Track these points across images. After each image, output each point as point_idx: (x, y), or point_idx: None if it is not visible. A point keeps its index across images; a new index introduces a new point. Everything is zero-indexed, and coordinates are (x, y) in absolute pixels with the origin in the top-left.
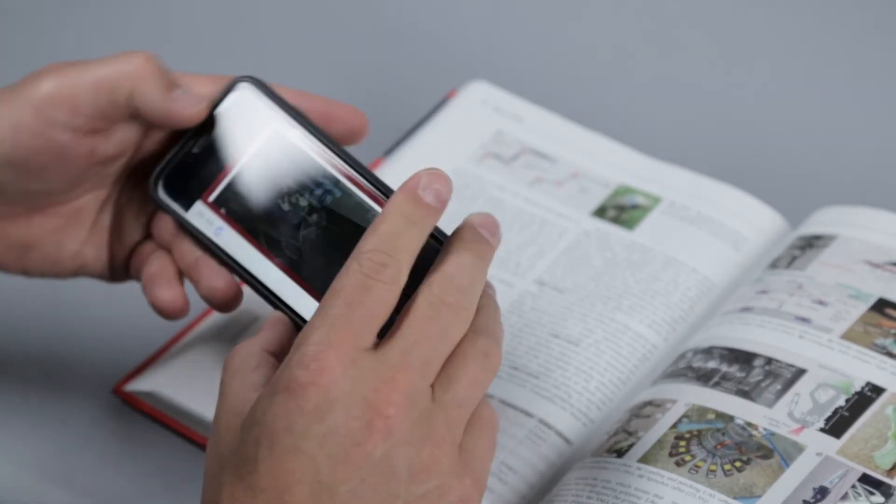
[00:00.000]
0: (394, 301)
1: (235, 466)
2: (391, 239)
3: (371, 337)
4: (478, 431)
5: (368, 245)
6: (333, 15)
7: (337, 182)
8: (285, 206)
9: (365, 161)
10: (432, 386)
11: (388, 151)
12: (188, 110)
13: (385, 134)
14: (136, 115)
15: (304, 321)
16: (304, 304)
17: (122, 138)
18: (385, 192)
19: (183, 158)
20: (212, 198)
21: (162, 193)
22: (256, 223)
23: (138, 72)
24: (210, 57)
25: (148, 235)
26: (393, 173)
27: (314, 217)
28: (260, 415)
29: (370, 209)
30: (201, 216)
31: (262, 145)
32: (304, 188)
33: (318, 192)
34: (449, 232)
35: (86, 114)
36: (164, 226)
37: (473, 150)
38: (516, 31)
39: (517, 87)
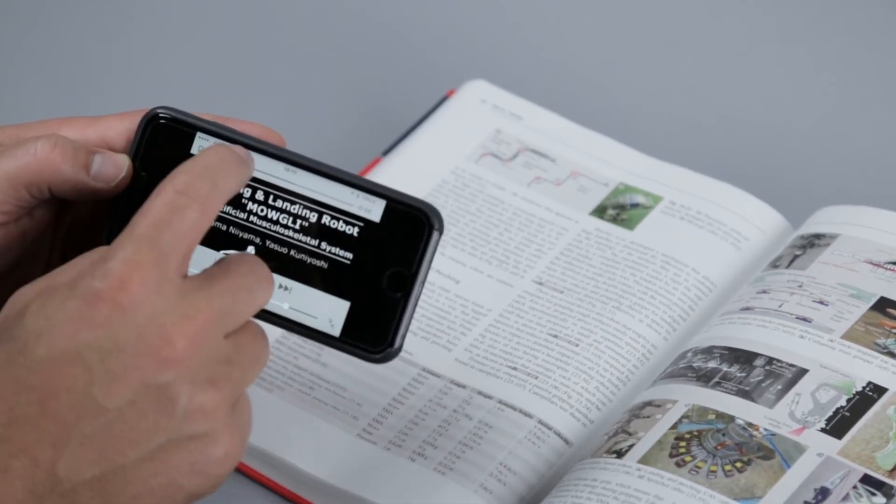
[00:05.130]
0: (205, 227)
1: (7, 345)
2: (211, 170)
3: (179, 261)
4: (247, 400)
5: (186, 168)
6: (332, 14)
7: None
8: (250, 216)
9: (364, 161)
10: (226, 337)
11: (387, 151)
12: (112, 182)
13: (383, 133)
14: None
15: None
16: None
17: (47, 210)
18: (336, 173)
19: (127, 211)
20: None
21: None
22: (228, 241)
23: (50, 162)
24: (209, 58)
25: None
26: (391, 173)
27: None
28: (50, 309)
29: (332, 193)
30: None
31: None
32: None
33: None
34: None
35: (4, 210)
36: None
37: (472, 149)
38: (515, 30)
39: (516, 85)
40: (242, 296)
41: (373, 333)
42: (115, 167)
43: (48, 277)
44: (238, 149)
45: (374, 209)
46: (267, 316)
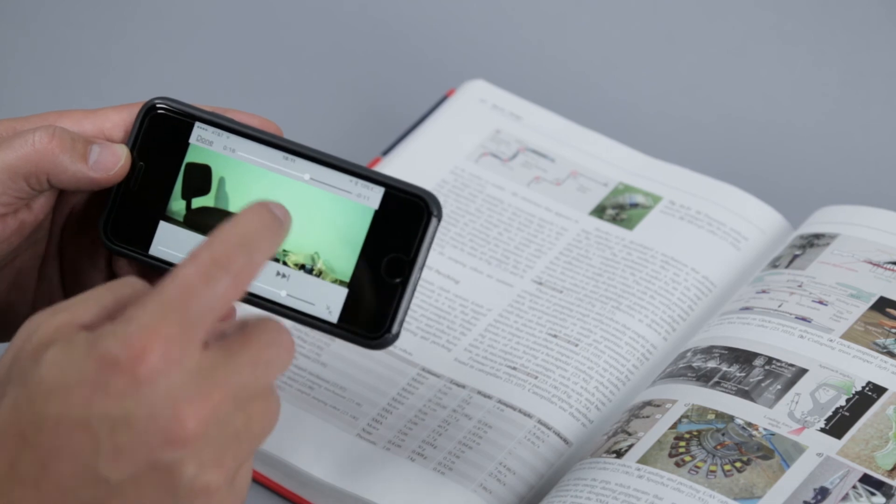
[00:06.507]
0: (235, 299)
1: (18, 390)
2: (249, 242)
3: (202, 333)
4: (249, 465)
5: (224, 236)
6: (332, 14)
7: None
8: None
9: (363, 161)
10: (238, 409)
11: (387, 151)
12: (111, 171)
13: (383, 133)
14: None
15: (316, 317)
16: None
17: (45, 201)
18: (335, 161)
19: (124, 201)
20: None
21: (117, 242)
22: None
23: (48, 152)
24: (209, 58)
25: (113, 276)
26: (390, 172)
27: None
28: (65, 364)
29: (331, 181)
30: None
31: (200, 157)
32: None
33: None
34: None
35: (3, 202)
36: (125, 265)
37: (472, 148)
38: (515, 30)
39: (516, 85)
40: (261, 369)
41: (371, 319)
42: (114, 156)
43: (67, 311)
44: (276, 207)
45: (372, 196)
46: (264, 303)
